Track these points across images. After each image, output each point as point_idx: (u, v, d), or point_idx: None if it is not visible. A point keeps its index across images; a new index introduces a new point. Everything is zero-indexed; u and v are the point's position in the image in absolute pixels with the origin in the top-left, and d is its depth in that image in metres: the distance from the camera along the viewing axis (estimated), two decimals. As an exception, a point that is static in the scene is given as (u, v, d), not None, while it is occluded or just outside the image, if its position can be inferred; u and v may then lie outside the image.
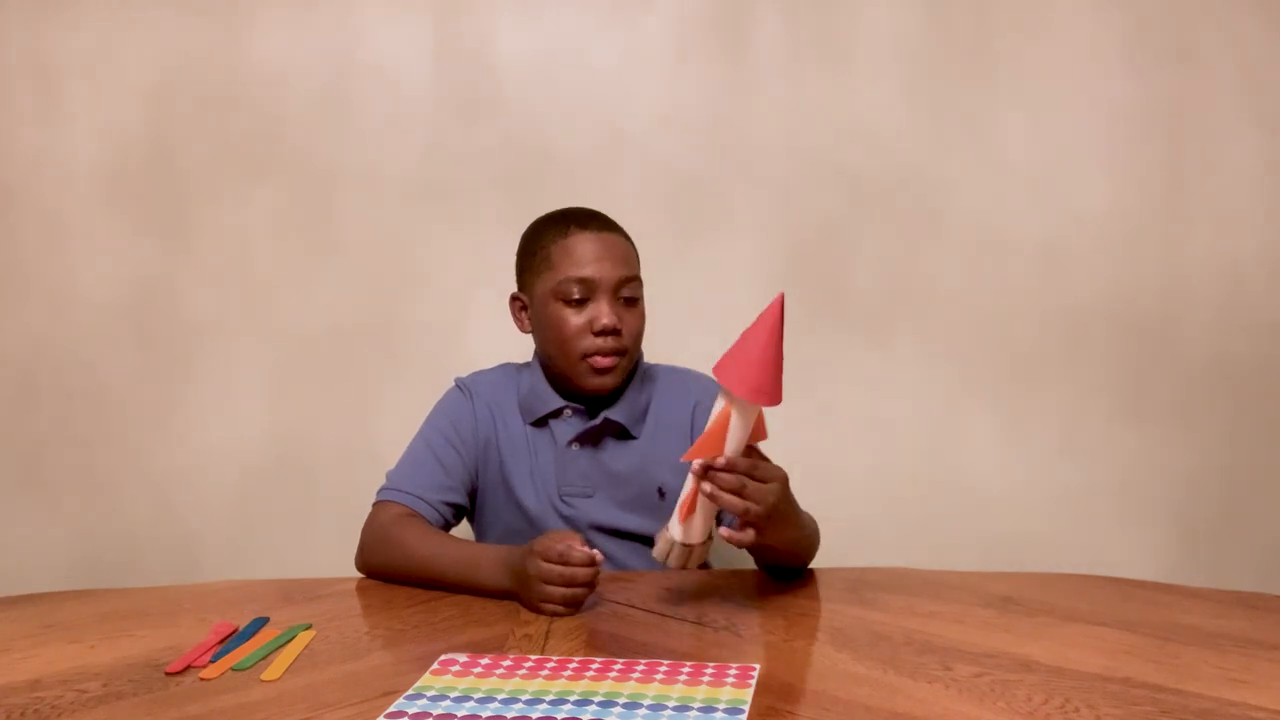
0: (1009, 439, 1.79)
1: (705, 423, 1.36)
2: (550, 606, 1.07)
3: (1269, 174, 1.76)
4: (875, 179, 1.78)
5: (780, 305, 1.04)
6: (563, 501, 1.34)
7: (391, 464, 1.36)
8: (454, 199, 1.79)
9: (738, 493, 1.04)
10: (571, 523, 1.34)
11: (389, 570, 1.25)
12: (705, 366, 1.44)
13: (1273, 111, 1.76)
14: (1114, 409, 1.78)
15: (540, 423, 1.36)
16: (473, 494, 1.37)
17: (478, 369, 1.44)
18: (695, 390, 1.39)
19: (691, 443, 1.36)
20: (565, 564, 1.07)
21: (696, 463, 1.04)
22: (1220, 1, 1.76)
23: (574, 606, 1.08)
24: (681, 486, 1.31)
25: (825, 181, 1.78)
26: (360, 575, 1.28)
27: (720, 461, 1.04)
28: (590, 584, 1.08)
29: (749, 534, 1.06)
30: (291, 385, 1.81)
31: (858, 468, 1.78)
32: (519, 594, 1.11)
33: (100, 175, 1.80)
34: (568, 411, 1.35)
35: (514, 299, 1.39)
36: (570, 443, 1.34)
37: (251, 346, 1.80)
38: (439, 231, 1.79)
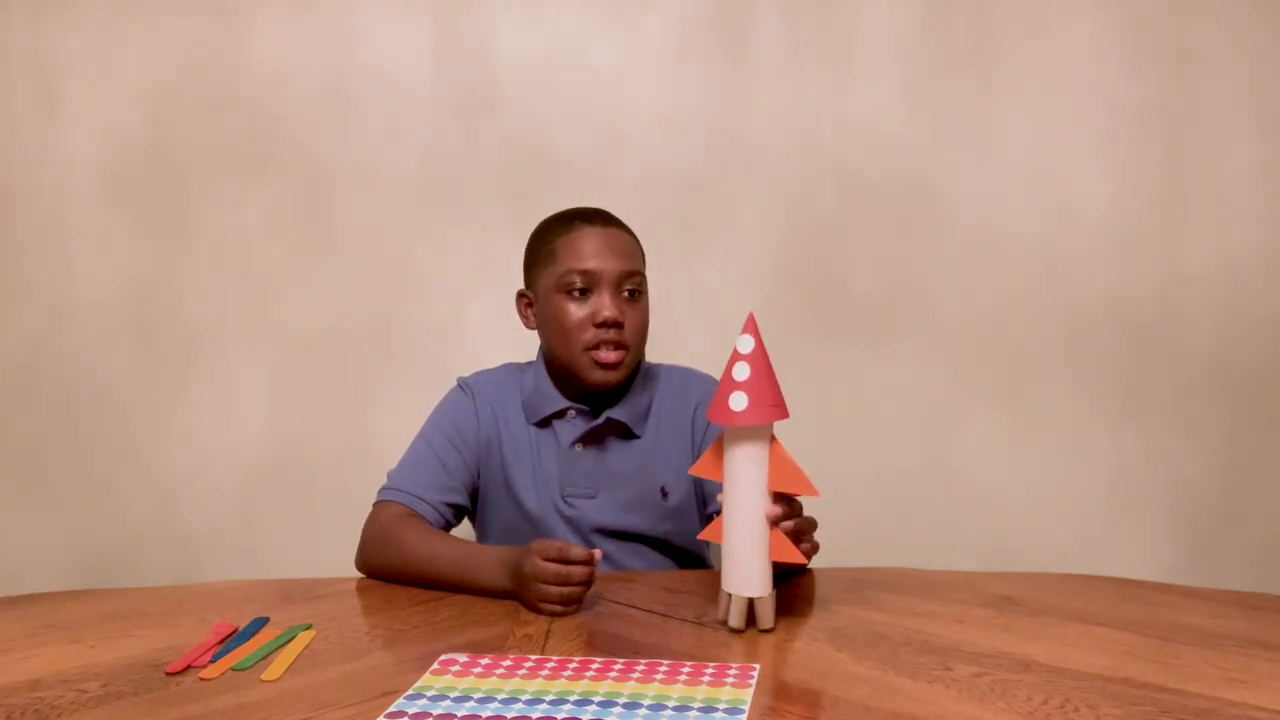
0: (1009, 439, 1.79)
1: (706, 422, 1.37)
2: (548, 606, 1.07)
3: (1269, 174, 1.76)
4: (875, 179, 1.78)
5: (755, 323, 1.03)
6: (565, 502, 1.34)
7: (391, 463, 1.36)
8: (454, 199, 1.79)
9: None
10: (573, 523, 1.34)
11: (388, 570, 1.25)
12: (704, 366, 1.45)
13: (1273, 112, 1.76)
14: (1114, 409, 1.78)
15: (544, 423, 1.36)
16: (474, 494, 1.37)
17: (478, 368, 1.44)
18: (698, 390, 1.40)
19: (694, 446, 1.36)
20: (563, 562, 1.07)
21: (774, 510, 1.01)
22: (1220, 1, 1.76)
23: (571, 605, 1.08)
24: (683, 490, 1.30)
25: (825, 181, 1.78)
26: (360, 575, 1.28)
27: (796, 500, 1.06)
28: (587, 583, 1.08)
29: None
30: (291, 385, 1.81)
31: (858, 468, 1.78)
32: (518, 593, 1.11)
33: (100, 175, 1.80)
34: (571, 412, 1.35)
35: (520, 295, 1.40)
36: (574, 443, 1.34)
37: (251, 346, 1.80)
38: (439, 231, 1.79)
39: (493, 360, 1.46)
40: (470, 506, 1.38)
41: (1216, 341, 1.77)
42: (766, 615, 1.02)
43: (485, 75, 1.79)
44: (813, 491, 1.01)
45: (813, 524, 1.05)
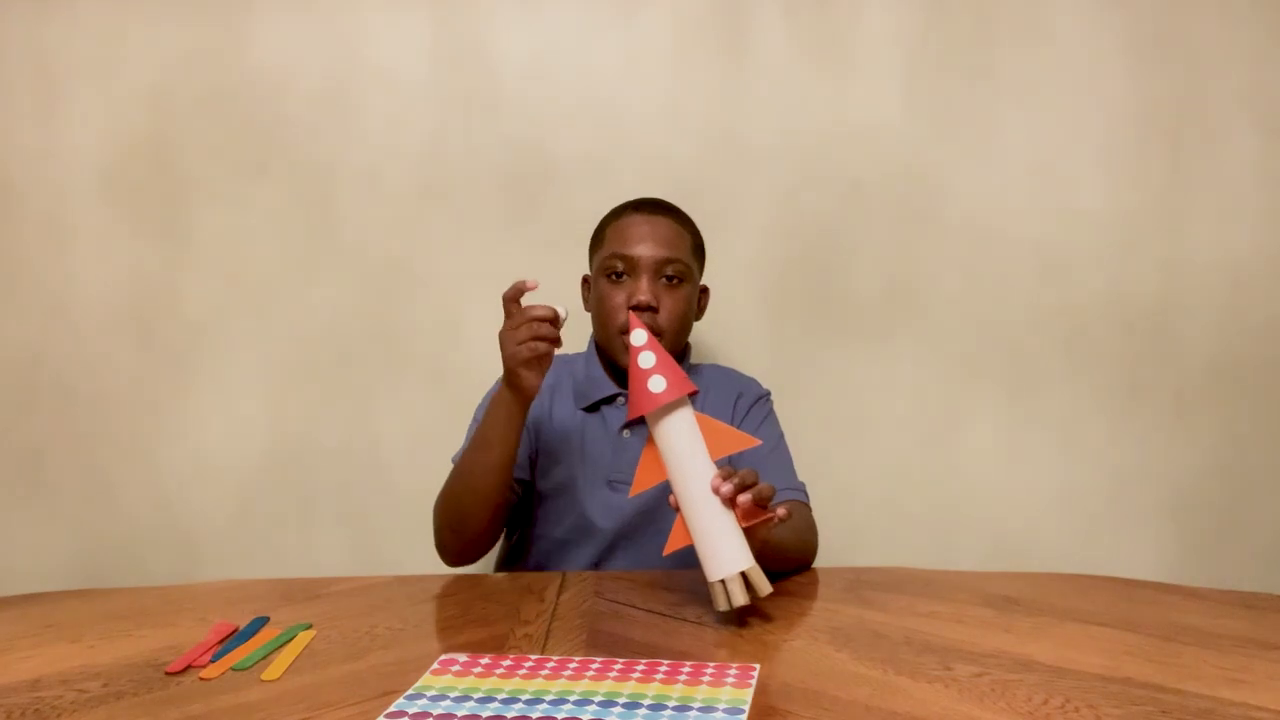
0: (1009, 439, 1.79)
1: (745, 412, 1.40)
2: (523, 347, 1.13)
3: (1269, 174, 1.76)
4: (875, 179, 1.78)
5: (638, 319, 1.10)
6: (609, 488, 1.35)
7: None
8: (454, 199, 1.79)
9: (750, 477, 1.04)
10: (616, 510, 1.34)
11: (452, 516, 1.26)
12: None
13: (1272, 111, 1.76)
14: (1114, 409, 1.78)
15: (593, 408, 1.38)
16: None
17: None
18: (739, 384, 1.45)
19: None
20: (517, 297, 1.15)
21: (725, 485, 1.02)
22: (1220, 1, 1.76)
23: (541, 342, 1.13)
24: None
25: (825, 181, 1.78)
26: (449, 570, 1.29)
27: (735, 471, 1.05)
28: (550, 319, 1.13)
29: (781, 511, 1.06)
30: (291, 385, 1.81)
31: (858, 468, 1.78)
32: (506, 367, 1.17)
33: (100, 175, 1.80)
34: (620, 398, 1.38)
35: (584, 280, 1.45)
36: (622, 429, 1.36)
37: (251, 346, 1.80)
38: (439, 231, 1.79)
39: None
40: (528, 479, 1.38)
41: (1216, 341, 1.77)
42: (762, 581, 1.02)
43: (485, 75, 1.79)
44: (752, 441, 1.06)
45: (755, 475, 1.04)
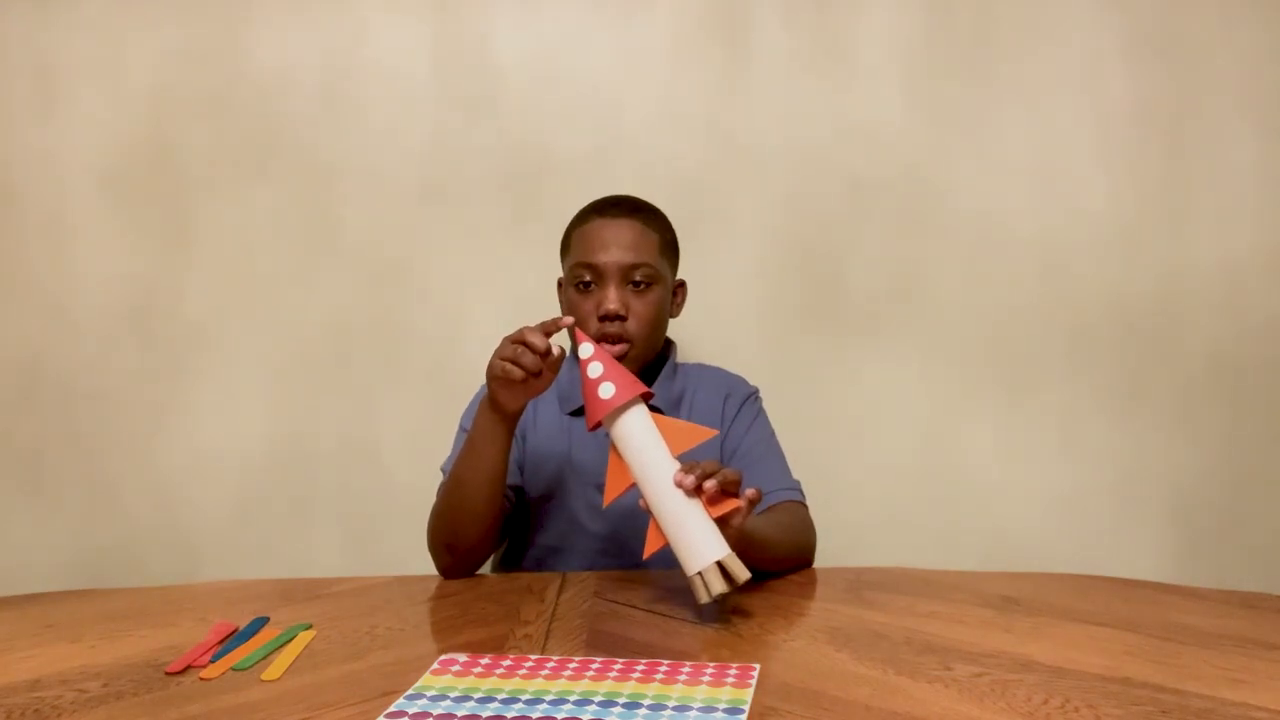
0: (1008, 439, 1.79)
1: (735, 412, 1.40)
2: (497, 363, 1.12)
3: (1268, 174, 1.76)
4: (875, 179, 1.78)
5: (581, 333, 1.13)
6: (598, 491, 1.34)
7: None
8: (454, 199, 1.79)
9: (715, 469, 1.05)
10: (604, 513, 1.34)
11: (446, 528, 1.25)
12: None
13: (1272, 112, 1.76)
14: (1114, 409, 1.78)
15: (577, 412, 1.37)
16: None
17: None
18: (727, 383, 1.44)
19: (724, 435, 1.38)
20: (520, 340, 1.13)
21: (687, 478, 1.03)
22: (1220, 2, 1.76)
23: (514, 367, 1.11)
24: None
25: (825, 181, 1.78)
26: (442, 578, 1.28)
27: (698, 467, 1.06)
28: (540, 351, 1.11)
29: (751, 492, 1.07)
30: (291, 385, 1.80)
31: (858, 468, 1.78)
32: (490, 385, 1.16)
33: (100, 175, 1.80)
34: None
35: (559, 284, 1.44)
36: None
37: (251, 346, 1.80)
38: (439, 231, 1.79)
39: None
40: (521, 485, 1.38)
41: (1216, 340, 1.77)
42: (739, 567, 1.03)
43: (485, 74, 1.79)
44: (710, 432, 1.07)
45: (716, 465, 1.05)
